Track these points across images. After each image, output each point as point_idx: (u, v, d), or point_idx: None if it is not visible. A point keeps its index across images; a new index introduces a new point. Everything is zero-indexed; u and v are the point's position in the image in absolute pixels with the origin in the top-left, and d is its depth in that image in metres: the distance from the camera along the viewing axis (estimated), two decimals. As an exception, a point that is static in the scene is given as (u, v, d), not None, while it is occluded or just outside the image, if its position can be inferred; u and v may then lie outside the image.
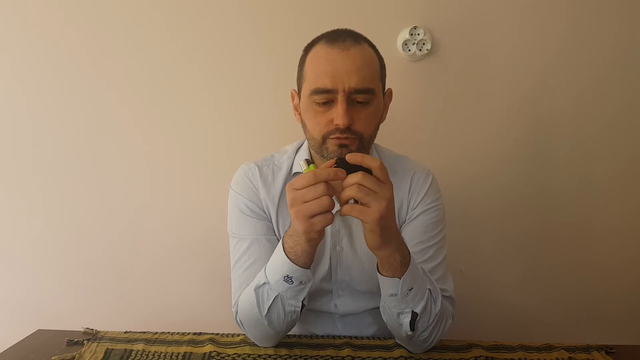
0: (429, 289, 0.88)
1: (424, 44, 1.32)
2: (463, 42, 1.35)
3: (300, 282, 0.85)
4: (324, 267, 1.02)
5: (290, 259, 0.83)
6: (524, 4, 1.34)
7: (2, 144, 1.40)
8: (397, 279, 0.83)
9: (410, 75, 1.36)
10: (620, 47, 1.36)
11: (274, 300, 0.86)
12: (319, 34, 0.97)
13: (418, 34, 1.31)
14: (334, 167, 0.78)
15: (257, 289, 0.87)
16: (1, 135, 1.40)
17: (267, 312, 0.87)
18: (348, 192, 0.76)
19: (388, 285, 0.85)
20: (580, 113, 1.39)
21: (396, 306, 0.86)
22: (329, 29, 0.97)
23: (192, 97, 1.37)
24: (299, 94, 0.98)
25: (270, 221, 1.01)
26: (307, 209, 0.76)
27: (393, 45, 1.33)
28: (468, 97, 1.38)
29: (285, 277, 0.84)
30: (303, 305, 0.88)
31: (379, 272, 0.86)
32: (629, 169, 1.43)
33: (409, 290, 0.84)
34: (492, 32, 1.35)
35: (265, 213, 1.01)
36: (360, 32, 0.95)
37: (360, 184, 0.75)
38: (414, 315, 0.86)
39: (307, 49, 0.96)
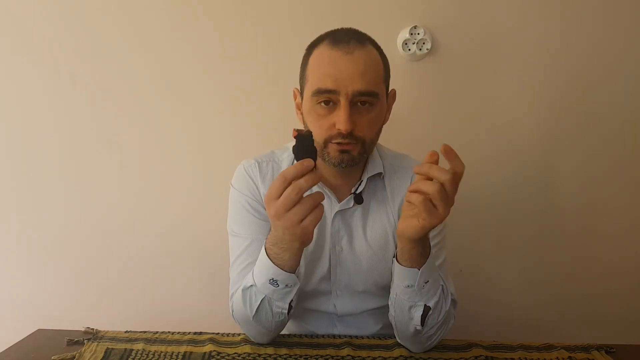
0: (442, 285, 0.88)
1: (424, 43, 1.32)
2: (463, 42, 1.35)
3: (286, 285, 0.84)
4: (323, 267, 1.01)
5: (275, 264, 0.83)
6: (524, 4, 1.34)
7: (1, 144, 1.40)
8: (415, 269, 0.83)
9: (410, 75, 1.36)
10: (620, 43, 1.36)
11: (261, 302, 0.86)
12: (317, 33, 0.95)
13: (418, 34, 1.31)
14: (295, 136, 0.73)
15: (245, 290, 0.88)
16: None
17: (256, 313, 0.88)
18: (427, 188, 0.74)
19: (405, 275, 0.84)
20: (581, 111, 1.39)
21: (410, 299, 0.86)
22: (328, 29, 0.95)
23: (188, 96, 1.37)
24: (301, 94, 0.97)
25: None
26: (295, 215, 0.74)
27: (393, 45, 1.32)
28: (468, 97, 1.38)
29: (271, 280, 0.84)
30: (291, 307, 0.88)
31: (397, 261, 0.85)
32: (630, 167, 1.42)
33: (425, 282, 0.84)
34: (492, 32, 1.35)
35: (265, 210, 1.01)
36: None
37: (444, 187, 0.73)
38: (426, 309, 0.86)
39: (310, 48, 0.94)
